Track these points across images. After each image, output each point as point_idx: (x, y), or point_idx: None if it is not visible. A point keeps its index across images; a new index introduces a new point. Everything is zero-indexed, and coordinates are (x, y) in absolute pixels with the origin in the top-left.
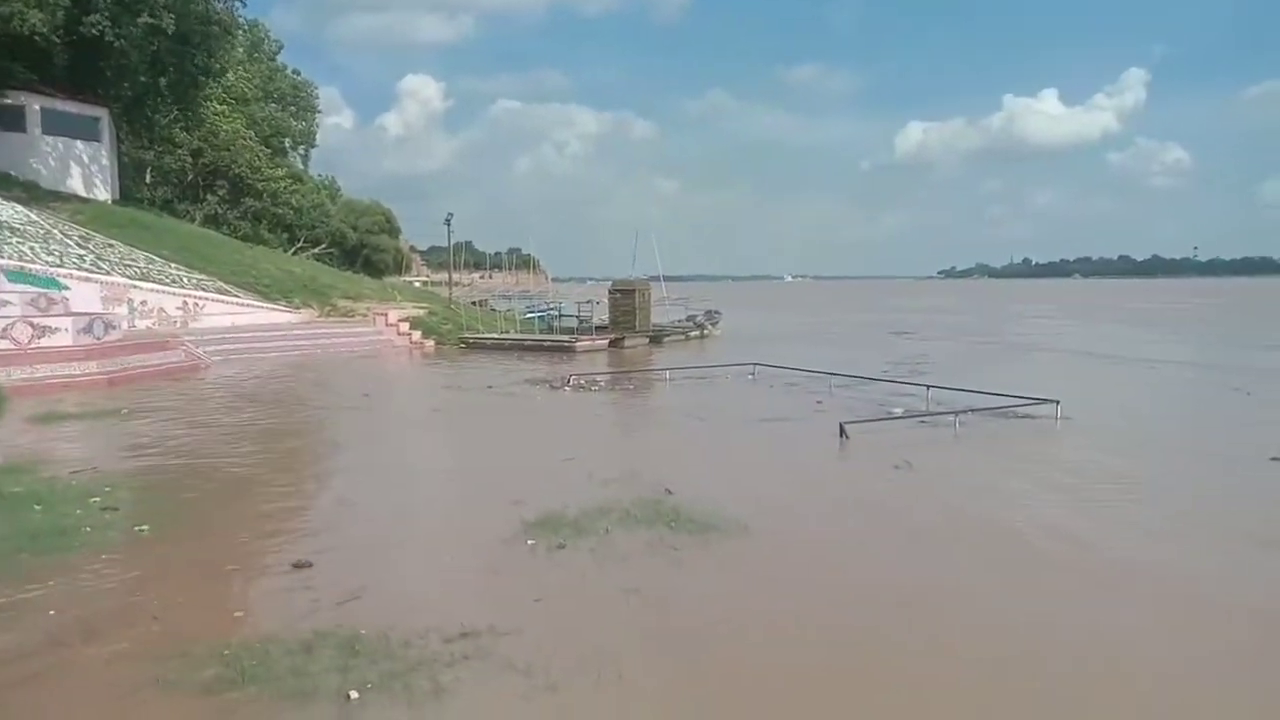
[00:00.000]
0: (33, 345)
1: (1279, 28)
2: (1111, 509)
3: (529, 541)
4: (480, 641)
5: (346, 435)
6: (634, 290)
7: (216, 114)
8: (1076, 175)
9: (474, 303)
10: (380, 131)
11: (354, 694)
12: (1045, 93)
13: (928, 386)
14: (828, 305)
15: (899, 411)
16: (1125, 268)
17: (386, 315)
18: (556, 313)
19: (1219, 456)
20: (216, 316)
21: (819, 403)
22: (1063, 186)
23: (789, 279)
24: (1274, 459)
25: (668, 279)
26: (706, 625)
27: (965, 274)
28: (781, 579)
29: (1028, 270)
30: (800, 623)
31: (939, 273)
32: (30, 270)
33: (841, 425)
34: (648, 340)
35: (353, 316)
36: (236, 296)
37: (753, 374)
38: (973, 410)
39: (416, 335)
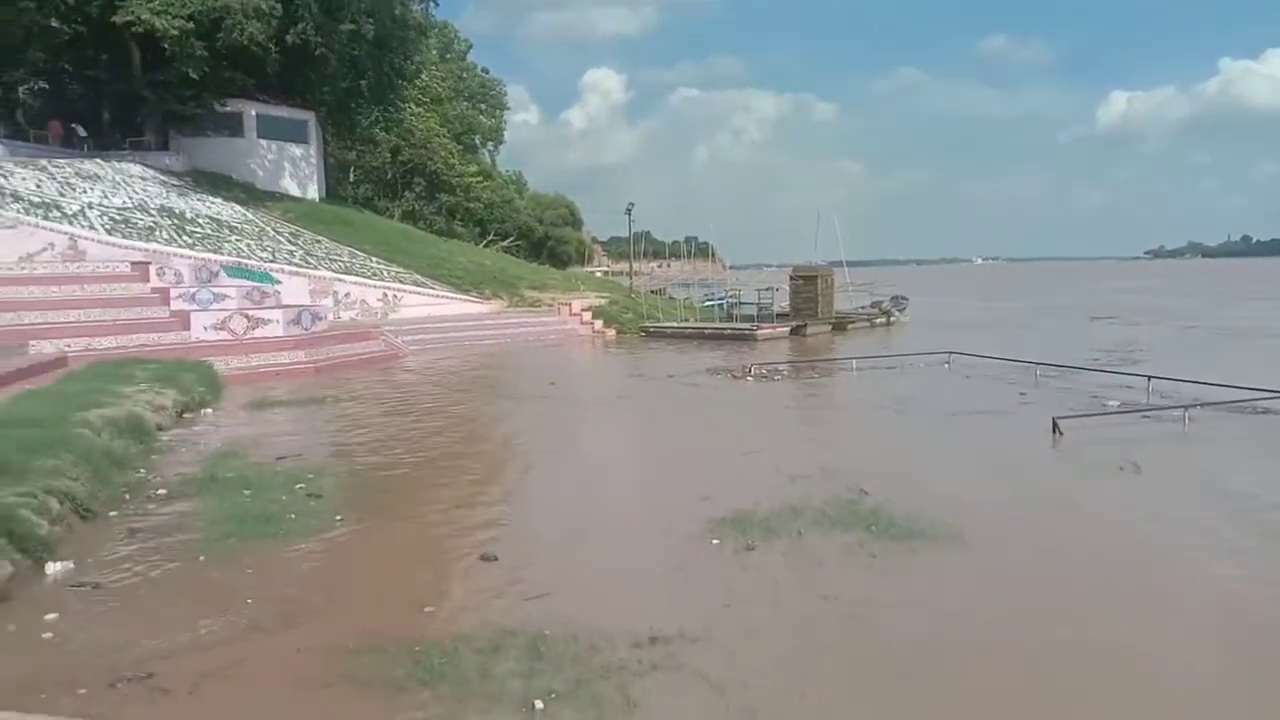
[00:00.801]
0: (248, 336)
1: None
2: None
3: (713, 541)
4: (670, 649)
5: (534, 424)
6: (816, 276)
7: (413, 114)
8: None
9: (653, 291)
10: (564, 126)
11: (539, 704)
12: (1270, 53)
13: (1148, 377)
14: (1022, 289)
15: (1114, 404)
16: None
17: (570, 305)
18: (735, 300)
19: None
20: (414, 308)
21: (1022, 394)
22: None
23: (979, 261)
24: None
25: (850, 264)
26: (914, 646)
27: (1176, 254)
28: (997, 599)
29: (1248, 248)
30: (1017, 651)
31: (1146, 253)
32: (246, 266)
33: (1054, 420)
34: (830, 328)
35: (539, 306)
36: (432, 288)
37: (948, 363)
38: (1202, 404)
39: (599, 324)
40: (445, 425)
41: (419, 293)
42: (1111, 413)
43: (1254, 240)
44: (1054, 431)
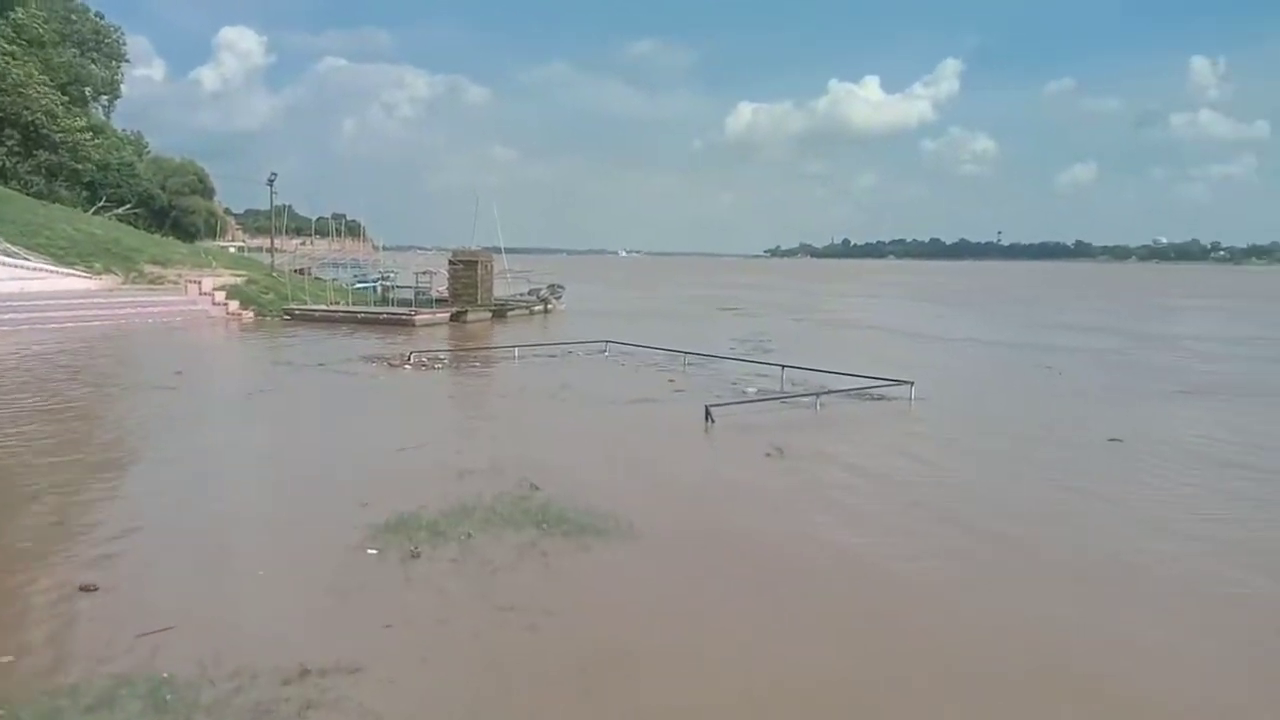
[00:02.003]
0: None
1: (1072, 30)
2: (980, 496)
3: (369, 551)
4: (326, 682)
5: (154, 421)
6: (476, 261)
7: (4, 54)
8: (894, 160)
9: (297, 271)
10: (194, 85)
11: None
12: (868, 79)
13: (783, 366)
14: (663, 281)
15: (753, 391)
16: (936, 249)
17: (200, 283)
18: (391, 283)
19: (1065, 438)
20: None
21: (672, 381)
22: (881, 171)
23: (624, 254)
24: (1112, 440)
25: (506, 251)
26: (598, 653)
27: (790, 253)
28: (677, 591)
29: (847, 250)
30: (696, 646)
31: (766, 251)
32: None
33: (707, 409)
34: (491, 315)
35: (162, 284)
36: (25, 259)
37: (605, 351)
38: (830, 391)
39: (234, 305)
40: (36, 423)
41: (6, 264)
42: (756, 400)
43: (852, 243)
44: (706, 419)
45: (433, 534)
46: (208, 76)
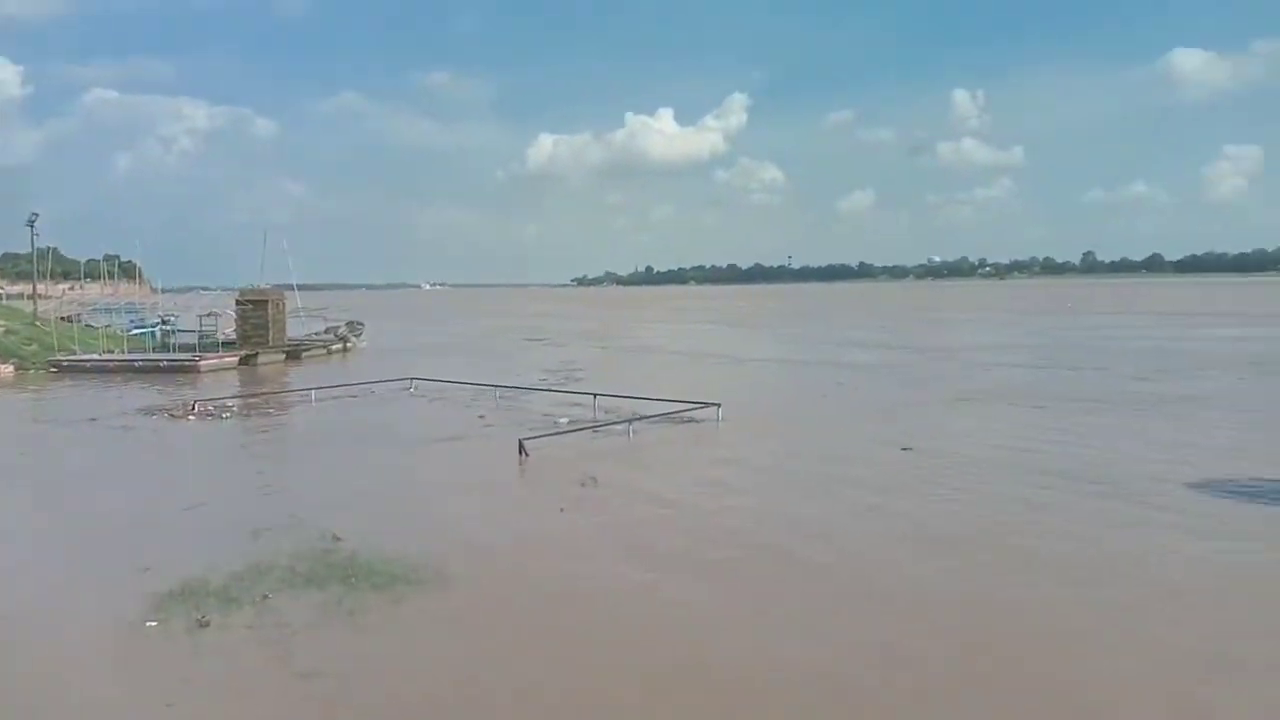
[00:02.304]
0: None
1: (849, 64)
2: (799, 506)
3: (149, 623)
4: None
5: None
6: (266, 300)
7: None
8: (691, 190)
9: (64, 319)
10: None
11: None
12: (662, 112)
13: (594, 395)
14: (469, 313)
15: (565, 422)
16: (734, 274)
17: None
18: (171, 328)
19: (866, 448)
20: None
21: (481, 417)
22: (679, 200)
23: (427, 287)
24: (904, 449)
25: (300, 288)
26: (408, 715)
27: (596, 282)
28: (497, 641)
29: (651, 278)
30: (508, 696)
31: (573, 280)
32: None
33: (520, 442)
34: (284, 356)
35: None
36: None
37: (411, 388)
38: (642, 417)
39: None
40: None
41: None
42: (569, 431)
43: (655, 270)
44: (520, 453)
45: (223, 599)
46: None
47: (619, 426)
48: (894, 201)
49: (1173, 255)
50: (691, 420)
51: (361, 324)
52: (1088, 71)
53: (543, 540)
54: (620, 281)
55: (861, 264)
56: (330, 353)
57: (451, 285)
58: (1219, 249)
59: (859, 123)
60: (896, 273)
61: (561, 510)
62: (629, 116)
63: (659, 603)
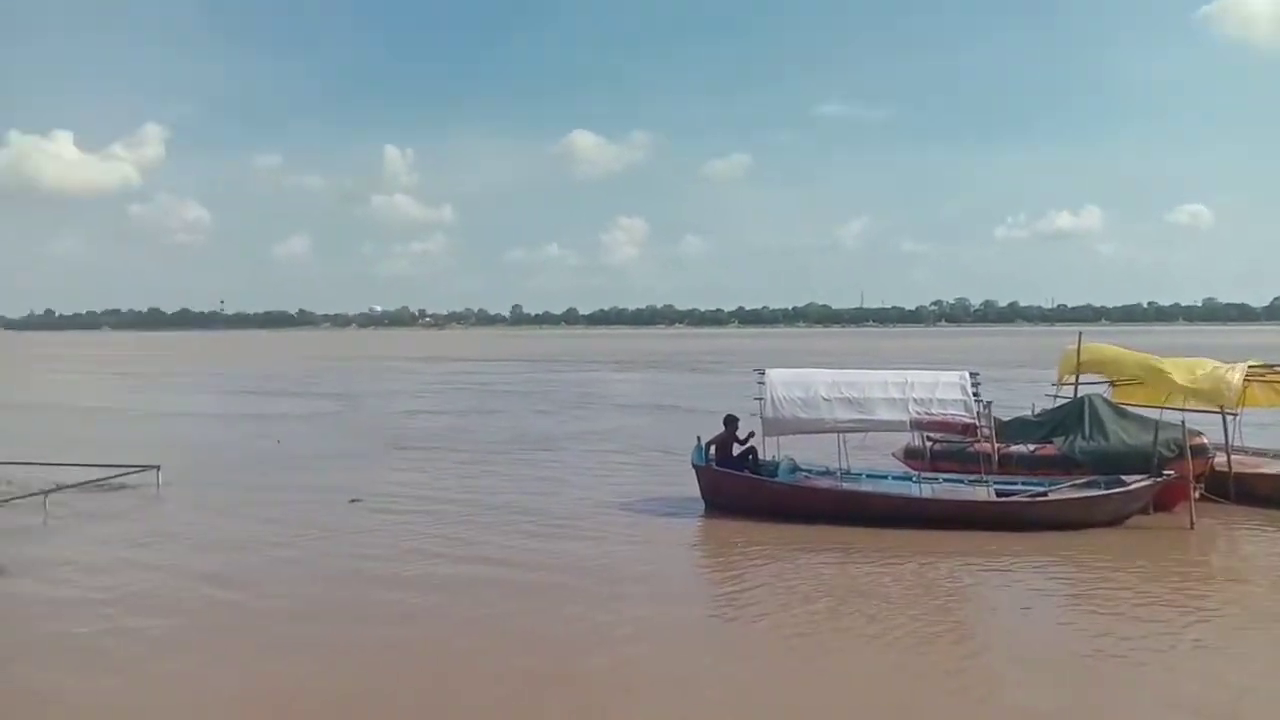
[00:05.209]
0: None
1: (274, 108)
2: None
3: None
4: None
5: None
6: None
7: None
8: (100, 225)
9: None
10: None
11: None
12: (59, 134)
13: None
14: None
15: None
16: (157, 319)
17: None
18: None
19: (317, 499)
20: None
21: None
22: (85, 236)
23: None
24: (353, 500)
25: None
26: None
27: None
28: None
29: (52, 322)
30: None
31: None
32: None
33: None
34: None
35: None
36: None
37: None
38: (63, 487)
39: None
40: None
41: None
42: None
43: (58, 314)
44: None
45: None
46: None
47: (30, 501)
48: (332, 250)
49: (585, 309)
50: (125, 486)
51: None
52: (507, 141)
53: None
54: (10, 325)
55: (302, 311)
56: None
57: None
58: (620, 305)
59: (288, 168)
60: (339, 321)
61: None
62: (13, 135)
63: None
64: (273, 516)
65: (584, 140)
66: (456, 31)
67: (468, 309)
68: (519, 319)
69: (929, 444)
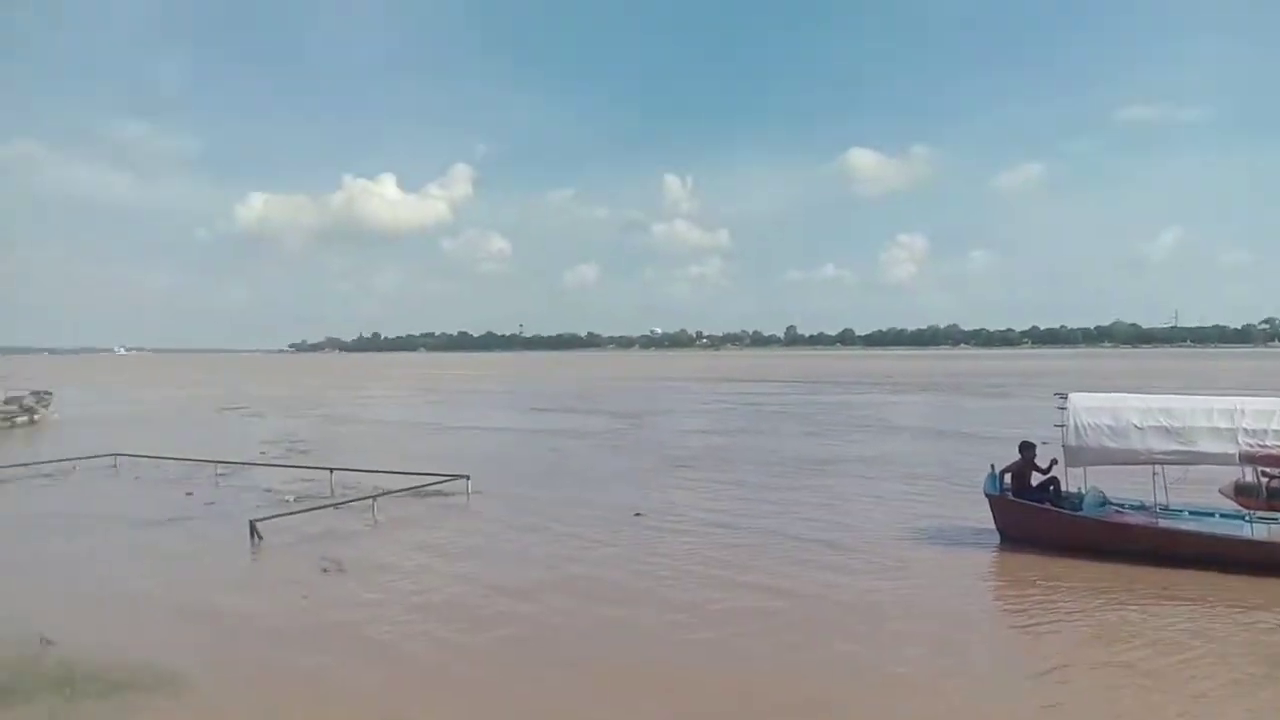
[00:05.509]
0: None
1: (567, 146)
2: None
3: None
4: None
5: None
6: None
7: None
8: (417, 258)
9: None
10: None
11: None
12: (384, 177)
13: (331, 469)
14: (171, 379)
15: (290, 499)
16: (465, 342)
17: None
18: None
19: (604, 514)
20: None
21: (189, 494)
22: (406, 267)
23: (122, 351)
24: (636, 515)
25: None
26: None
27: (317, 347)
28: None
29: (378, 344)
30: None
31: (291, 346)
32: None
33: (252, 524)
34: None
35: None
36: None
37: (115, 465)
38: (386, 492)
39: None
40: None
41: None
42: (305, 510)
43: (383, 337)
44: (253, 536)
45: None
46: None
47: (361, 503)
48: (617, 275)
49: (862, 330)
50: (439, 493)
51: (49, 393)
52: (779, 164)
53: (284, 633)
54: (344, 348)
55: (590, 334)
56: (14, 425)
57: (151, 350)
58: (899, 325)
59: (579, 201)
60: (623, 342)
61: (305, 598)
62: (347, 179)
63: (414, 702)
64: (566, 530)
65: (861, 158)
66: (728, 63)
67: (743, 330)
68: (793, 340)
69: (1264, 480)
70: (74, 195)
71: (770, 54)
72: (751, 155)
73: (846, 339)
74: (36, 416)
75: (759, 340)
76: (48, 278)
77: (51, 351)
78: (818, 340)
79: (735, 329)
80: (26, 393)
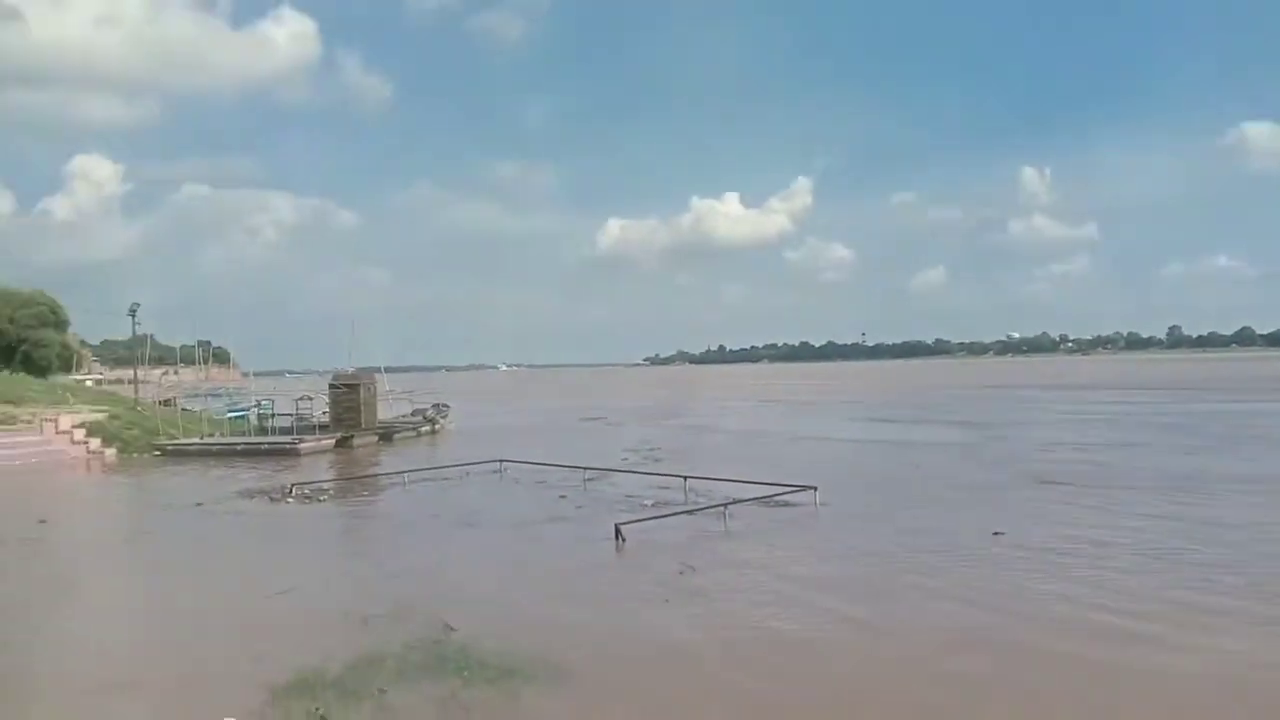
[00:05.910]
0: None
1: (909, 149)
2: (893, 603)
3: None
4: None
5: (17, 577)
6: (358, 384)
7: None
8: (760, 270)
9: (163, 403)
10: (44, 216)
11: None
12: (728, 196)
13: (685, 477)
14: (547, 393)
15: (649, 504)
16: (806, 352)
17: (57, 421)
18: (269, 411)
19: (955, 534)
20: None
21: (562, 497)
22: (749, 280)
23: (503, 368)
24: (995, 534)
25: (385, 371)
26: None
27: (668, 360)
28: None
29: (723, 356)
30: None
31: (645, 359)
32: None
33: (617, 527)
34: (376, 438)
35: (13, 424)
36: None
37: (500, 470)
38: (736, 501)
39: (95, 443)
40: None
41: None
42: (665, 515)
43: (728, 349)
44: (617, 538)
45: (341, 692)
46: (59, 206)
47: (713, 510)
48: (967, 278)
49: (1263, 328)
50: (786, 504)
51: (447, 405)
52: (1154, 147)
53: (651, 633)
54: (692, 360)
55: (938, 340)
56: (420, 434)
57: (527, 366)
58: None
59: (925, 202)
60: (975, 349)
61: (666, 601)
62: (694, 201)
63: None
64: (917, 545)
65: (1257, 132)
66: (1082, 45)
67: (1116, 332)
68: (1177, 341)
69: None
70: (465, 230)
71: (1135, 28)
72: (1119, 139)
73: (1244, 338)
74: (436, 427)
75: (1135, 342)
76: (445, 304)
77: (448, 369)
78: (1208, 341)
79: (1106, 330)
80: (429, 406)
